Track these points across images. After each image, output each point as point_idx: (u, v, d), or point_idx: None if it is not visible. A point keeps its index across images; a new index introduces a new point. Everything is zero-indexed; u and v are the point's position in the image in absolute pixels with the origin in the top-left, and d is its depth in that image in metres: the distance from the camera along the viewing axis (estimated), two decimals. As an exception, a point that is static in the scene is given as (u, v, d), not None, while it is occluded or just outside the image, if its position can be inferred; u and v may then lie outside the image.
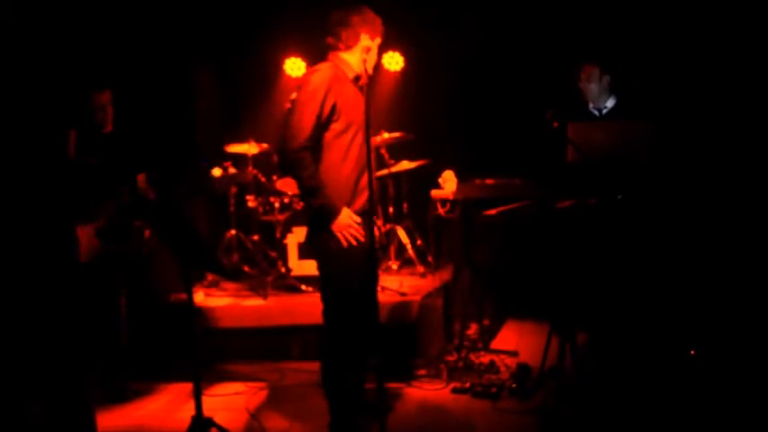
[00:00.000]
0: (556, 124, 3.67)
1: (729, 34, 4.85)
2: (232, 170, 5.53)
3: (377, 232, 3.24)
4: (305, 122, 3.16)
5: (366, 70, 3.30)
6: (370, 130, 3.10)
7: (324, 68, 3.26)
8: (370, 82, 3.19)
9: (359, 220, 3.23)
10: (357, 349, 3.34)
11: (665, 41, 5.18)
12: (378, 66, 3.40)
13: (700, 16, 4.99)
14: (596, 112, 4.40)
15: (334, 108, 3.18)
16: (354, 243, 3.21)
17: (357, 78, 3.32)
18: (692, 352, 3.94)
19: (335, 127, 3.20)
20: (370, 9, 3.36)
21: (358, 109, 3.22)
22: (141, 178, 4.29)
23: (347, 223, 3.20)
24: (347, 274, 3.28)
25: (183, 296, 4.88)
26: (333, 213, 3.19)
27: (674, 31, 5.15)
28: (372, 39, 3.32)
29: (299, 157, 3.16)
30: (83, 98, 4.15)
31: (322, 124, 3.19)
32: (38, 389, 3.91)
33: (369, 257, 3.26)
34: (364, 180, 3.21)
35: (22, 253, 4.02)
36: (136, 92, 4.67)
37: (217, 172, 5.45)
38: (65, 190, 3.87)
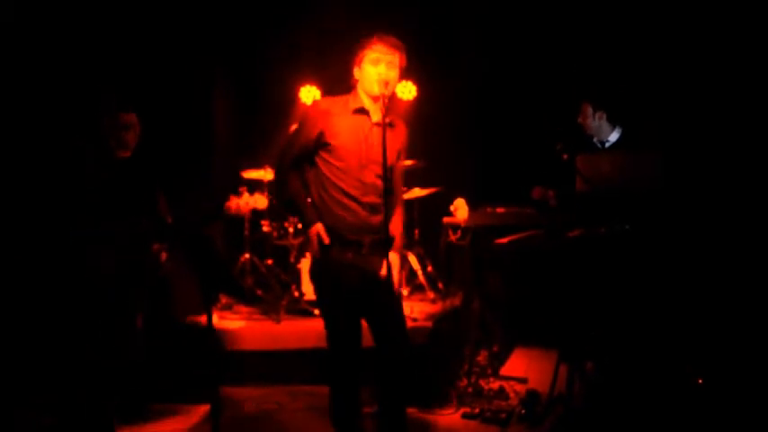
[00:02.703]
0: (566, 156, 3.75)
1: (731, 66, 4.93)
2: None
3: (386, 264, 3.21)
4: (290, 147, 3.34)
5: (381, 90, 3.20)
6: (386, 162, 3.14)
7: (322, 99, 3.37)
8: (387, 110, 3.17)
9: (327, 240, 3.23)
10: (344, 374, 3.35)
11: (669, 74, 5.27)
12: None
13: (702, 49, 5.07)
14: (599, 145, 4.49)
15: (321, 135, 3.24)
16: (318, 254, 3.25)
17: (361, 110, 3.28)
18: (700, 381, 3.96)
19: (324, 155, 3.27)
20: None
21: (354, 139, 3.25)
22: (161, 202, 4.39)
23: (314, 233, 3.25)
24: (323, 299, 3.37)
25: (199, 318, 5.00)
26: (305, 225, 3.29)
27: (676, 65, 5.24)
28: (369, 53, 3.24)
29: (280, 177, 3.40)
30: (107, 119, 4.24)
31: (309, 150, 3.28)
32: (56, 404, 4.00)
33: (365, 285, 3.27)
34: (355, 209, 3.25)
35: (43, 274, 4.13)
36: (155, 117, 4.78)
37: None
38: (85, 212, 3.98)
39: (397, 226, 3.42)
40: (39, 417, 4.03)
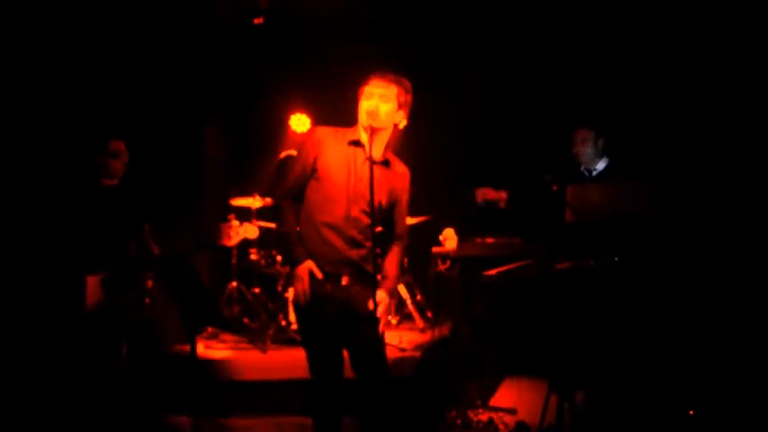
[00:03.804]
0: (555, 187, 3.76)
1: (720, 96, 4.98)
2: (235, 223, 5.60)
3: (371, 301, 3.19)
4: (288, 174, 3.34)
5: (368, 120, 3.22)
6: (372, 198, 3.13)
7: (324, 127, 3.38)
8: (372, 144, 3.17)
9: (320, 275, 3.23)
10: (326, 405, 3.34)
11: (656, 105, 5.31)
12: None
13: (690, 78, 5.12)
14: (587, 173, 4.50)
15: (314, 163, 3.26)
16: (302, 298, 3.23)
17: (357, 143, 3.29)
18: (691, 412, 3.94)
19: (313, 183, 3.27)
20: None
21: (344, 170, 3.25)
22: (147, 230, 4.36)
23: (299, 276, 3.24)
24: (303, 329, 3.37)
25: (185, 347, 4.93)
26: (293, 263, 3.28)
27: (663, 94, 5.28)
28: (366, 88, 3.29)
29: (278, 205, 3.38)
30: (94, 145, 4.22)
31: (305, 177, 3.28)
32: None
33: (344, 317, 3.25)
34: (333, 241, 3.23)
35: (32, 301, 4.08)
36: (143, 145, 4.76)
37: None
38: (74, 239, 3.95)
39: (392, 266, 3.39)
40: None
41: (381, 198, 3.28)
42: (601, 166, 4.47)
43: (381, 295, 3.24)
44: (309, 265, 3.23)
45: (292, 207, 3.32)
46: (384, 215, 3.34)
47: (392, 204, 3.39)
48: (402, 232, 3.47)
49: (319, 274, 3.23)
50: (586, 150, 4.46)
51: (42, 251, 3.97)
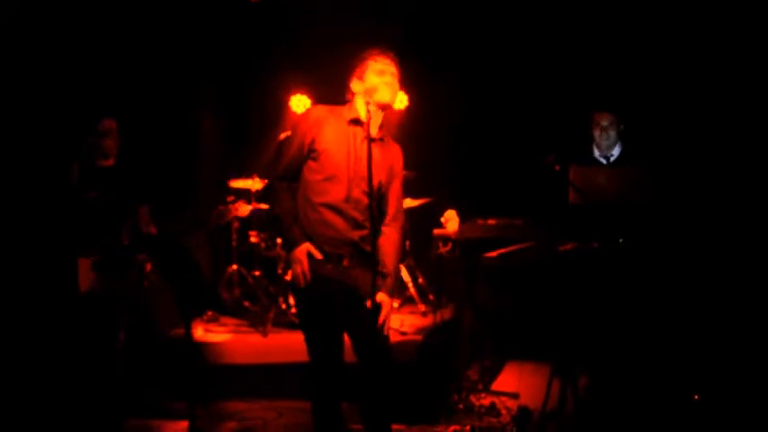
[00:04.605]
0: (558, 167, 3.68)
1: (730, 83, 4.91)
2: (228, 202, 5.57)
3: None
4: (284, 155, 3.26)
5: (392, 98, 3.19)
6: (371, 177, 3.05)
7: (319, 106, 3.31)
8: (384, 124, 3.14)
9: (319, 256, 3.16)
10: (325, 389, 3.28)
11: (669, 89, 5.23)
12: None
13: (701, 65, 5.05)
14: (603, 160, 4.42)
15: (312, 144, 3.18)
16: (301, 281, 3.17)
17: (356, 121, 3.21)
18: (696, 397, 3.90)
19: (311, 164, 3.20)
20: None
21: (343, 150, 3.18)
22: (144, 211, 4.31)
23: (298, 258, 3.16)
24: (301, 311, 3.31)
25: (183, 331, 4.91)
26: (290, 245, 3.20)
27: (678, 80, 5.20)
28: (373, 64, 3.20)
29: (274, 187, 3.29)
30: (87, 128, 4.16)
31: (302, 157, 3.21)
32: (36, 419, 3.90)
33: (346, 298, 3.18)
34: (334, 222, 3.16)
35: (23, 282, 4.03)
36: (139, 124, 4.70)
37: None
38: (66, 221, 3.90)
39: (390, 258, 3.27)
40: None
41: (381, 177, 3.22)
42: (616, 152, 4.39)
43: (382, 297, 3.16)
44: (307, 246, 3.17)
45: (288, 188, 3.26)
46: (381, 194, 3.27)
47: (389, 183, 3.32)
48: (399, 211, 3.39)
49: (318, 255, 3.16)
50: (609, 134, 4.36)
51: (33, 234, 3.92)
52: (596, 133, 4.40)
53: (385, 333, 3.19)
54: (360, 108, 3.22)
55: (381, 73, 3.18)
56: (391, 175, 3.31)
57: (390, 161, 3.31)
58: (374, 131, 3.20)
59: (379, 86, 3.16)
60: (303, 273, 3.15)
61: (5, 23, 4.16)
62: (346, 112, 3.24)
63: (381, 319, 3.14)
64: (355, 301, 3.18)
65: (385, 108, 3.19)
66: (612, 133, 4.37)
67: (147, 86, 5.36)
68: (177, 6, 5.52)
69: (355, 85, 3.24)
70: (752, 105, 4.78)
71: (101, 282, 3.92)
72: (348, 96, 3.28)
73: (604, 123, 4.37)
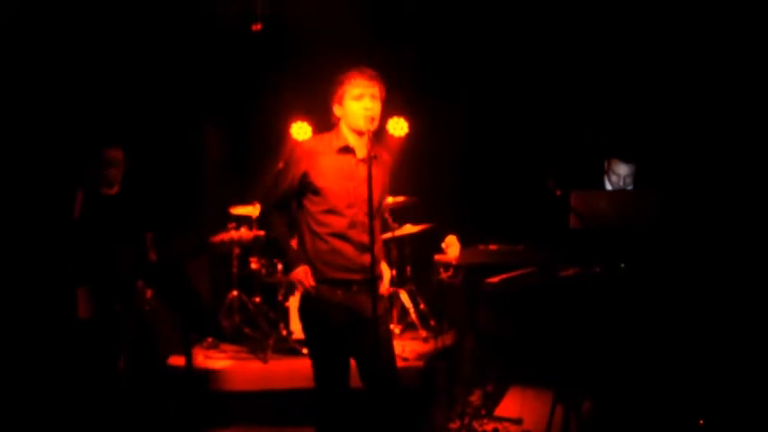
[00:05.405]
0: (558, 192, 3.70)
1: (734, 109, 4.94)
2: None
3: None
4: (274, 188, 3.29)
5: (368, 126, 3.12)
6: (371, 199, 3.07)
7: (307, 139, 3.35)
8: (372, 147, 3.09)
9: (312, 283, 3.17)
10: (331, 414, 3.26)
11: (672, 114, 5.26)
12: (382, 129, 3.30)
13: (699, 88, 5.08)
14: None
15: (305, 176, 3.18)
16: (312, 291, 3.17)
17: (346, 149, 3.20)
18: (701, 422, 3.87)
19: (312, 197, 3.21)
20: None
21: (341, 179, 3.18)
22: (148, 238, 4.31)
23: (301, 276, 3.17)
24: (311, 336, 3.30)
25: (183, 358, 4.88)
26: (291, 265, 3.23)
27: (681, 105, 5.23)
28: (350, 89, 3.16)
29: (265, 216, 3.34)
30: (91, 156, 4.18)
31: (294, 190, 3.22)
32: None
33: (354, 324, 3.20)
34: (343, 250, 3.18)
35: (24, 310, 4.03)
36: (142, 151, 4.72)
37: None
38: (68, 250, 3.90)
39: (378, 243, 3.34)
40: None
41: (379, 194, 3.27)
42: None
43: (383, 267, 3.32)
44: (306, 270, 3.18)
45: (279, 214, 3.30)
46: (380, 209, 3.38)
47: (384, 194, 3.39)
48: (384, 209, 3.56)
49: (312, 282, 3.17)
50: (626, 182, 4.41)
51: (34, 263, 3.92)
52: (613, 179, 4.42)
53: (387, 328, 3.27)
54: (347, 134, 3.22)
55: (359, 97, 3.14)
56: (386, 187, 3.37)
57: (384, 174, 3.34)
58: (362, 154, 3.20)
59: (357, 113, 3.14)
60: (310, 285, 3.16)
61: (6, 27, 4.19)
62: (335, 141, 3.23)
63: (383, 288, 3.26)
64: (362, 325, 3.18)
65: (362, 135, 3.16)
66: (629, 180, 4.40)
67: (150, 113, 5.39)
68: (179, 34, 5.57)
69: (337, 110, 3.23)
70: (754, 130, 4.79)
71: (100, 308, 3.91)
72: (333, 120, 3.28)
73: (621, 172, 4.40)
